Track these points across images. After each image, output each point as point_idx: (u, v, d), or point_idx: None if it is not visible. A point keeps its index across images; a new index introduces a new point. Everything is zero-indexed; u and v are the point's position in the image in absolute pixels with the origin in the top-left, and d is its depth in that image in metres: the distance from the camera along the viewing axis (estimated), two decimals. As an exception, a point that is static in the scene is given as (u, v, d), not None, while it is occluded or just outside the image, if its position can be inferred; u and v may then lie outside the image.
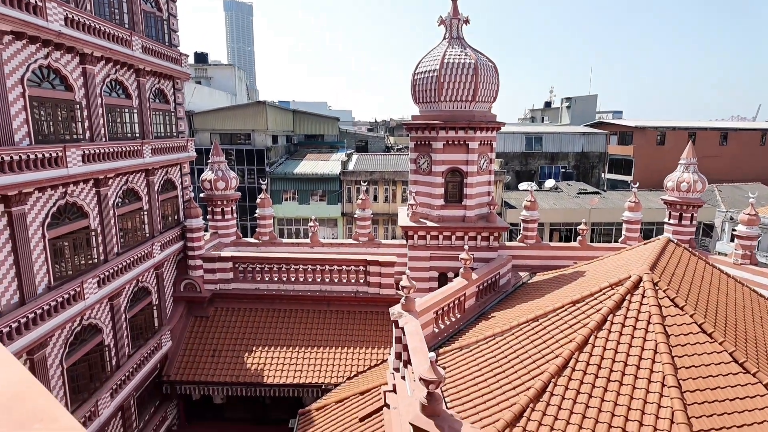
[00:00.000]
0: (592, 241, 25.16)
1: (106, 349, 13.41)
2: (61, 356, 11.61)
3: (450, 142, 17.14)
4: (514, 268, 17.40)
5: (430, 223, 17.20)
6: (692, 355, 9.17)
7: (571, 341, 10.03)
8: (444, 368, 10.52)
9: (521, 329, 11.28)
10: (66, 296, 11.34)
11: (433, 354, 7.59)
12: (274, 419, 16.68)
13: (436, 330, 12.64)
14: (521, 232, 19.04)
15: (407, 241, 17.73)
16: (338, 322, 17.13)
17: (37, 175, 10.50)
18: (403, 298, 11.74)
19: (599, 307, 10.62)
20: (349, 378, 15.28)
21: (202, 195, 20.19)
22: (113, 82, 14.34)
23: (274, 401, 16.33)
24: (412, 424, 7.44)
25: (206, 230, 19.66)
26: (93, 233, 12.97)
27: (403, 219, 17.83)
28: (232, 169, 21.15)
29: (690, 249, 15.49)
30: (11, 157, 9.76)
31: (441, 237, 17.16)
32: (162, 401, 16.40)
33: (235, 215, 20.89)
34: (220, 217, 20.15)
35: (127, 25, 14.87)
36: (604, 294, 11.06)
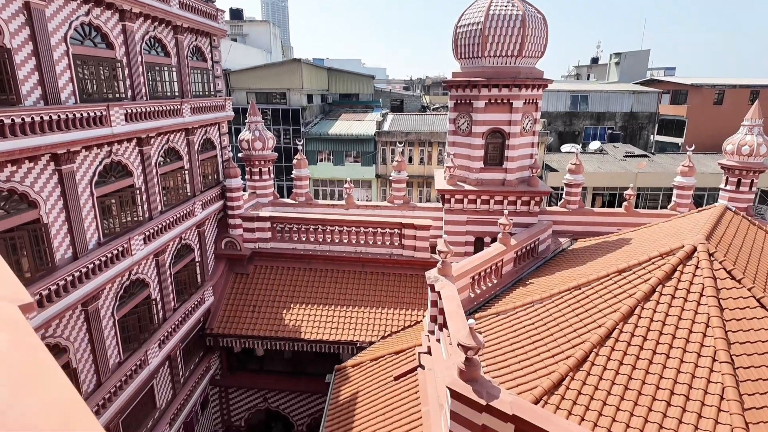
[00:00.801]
0: (637, 207, 24.03)
1: (153, 302, 14.08)
2: (112, 308, 12.27)
3: (492, 101, 16.38)
4: (554, 233, 16.89)
5: (468, 187, 16.76)
6: (748, 330, 8.68)
7: (615, 311, 9.70)
8: (479, 333, 10.46)
9: (562, 297, 11.00)
10: (115, 252, 11.84)
11: (472, 321, 7.47)
12: (312, 373, 17.35)
13: (472, 295, 12.52)
14: (563, 196, 18.33)
15: (443, 205, 17.41)
16: (373, 283, 17.30)
17: (84, 134, 10.73)
18: (440, 262, 11.61)
19: (648, 277, 10.16)
20: (383, 337, 15.56)
21: (240, 155, 20.37)
22: (152, 40, 14.29)
23: (311, 356, 16.91)
24: (449, 388, 7.45)
25: (245, 190, 19.96)
26: (138, 192, 13.34)
27: (440, 182, 17.44)
28: (268, 129, 21.13)
29: (749, 217, 14.50)
30: (59, 116, 9.98)
31: (479, 201, 16.74)
32: (206, 352, 17.30)
33: (272, 175, 21.05)
34: (258, 177, 20.36)
35: (162, -20, 14.61)
36: (653, 263, 10.56)
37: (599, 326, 9.51)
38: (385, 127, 36.88)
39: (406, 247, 17.43)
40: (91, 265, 10.98)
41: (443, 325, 10.56)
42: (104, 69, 12.16)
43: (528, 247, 14.94)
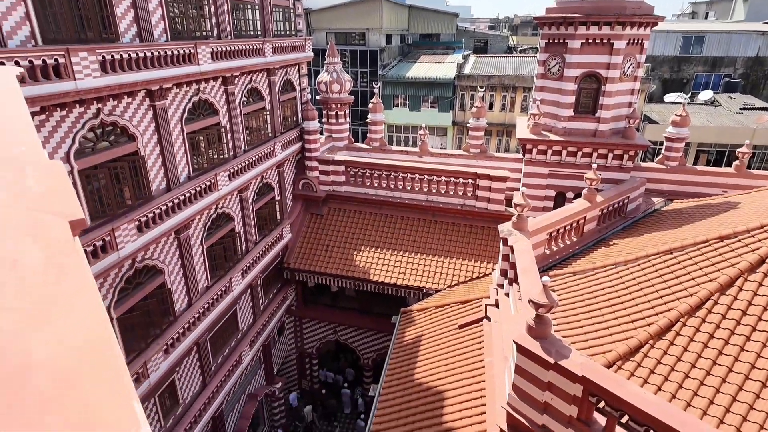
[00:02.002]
0: (750, 167, 21.09)
1: (237, 235, 15.10)
2: (201, 238, 13.34)
3: (590, 41, 14.69)
4: (647, 192, 15.39)
5: (553, 137, 15.58)
6: None
7: (712, 281, 8.78)
8: (553, 290, 10.02)
9: (649, 261, 10.13)
10: (203, 186, 12.68)
11: (548, 278, 7.11)
12: (378, 313, 18.01)
13: (548, 252, 11.94)
14: (662, 151, 16.48)
15: (524, 156, 16.43)
16: (442, 233, 17.14)
17: (174, 71, 11.23)
18: (515, 216, 11.09)
19: (757, 246, 9.00)
20: (449, 287, 15.57)
21: (318, 97, 20.48)
22: (236, -23, 14.30)
23: (378, 297, 17.47)
24: (516, 343, 7.29)
25: (322, 133, 20.21)
26: (223, 130, 13.97)
27: (522, 131, 16.37)
28: (345, 71, 20.89)
29: None
30: (152, 53, 10.48)
31: (565, 153, 15.55)
32: (283, 284, 18.52)
33: (348, 119, 21.05)
34: (334, 120, 20.46)
35: None
36: (766, 232, 9.28)
37: (690, 295, 8.70)
38: (466, 70, 34.98)
39: (480, 199, 16.88)
40: (183, 197, 11.88)
41: (514, 280, 10.25)
42: (192, 7, 12.44)
43: (615, 206, 13.79)
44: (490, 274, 15.42)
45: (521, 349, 7.19)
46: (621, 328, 8.76)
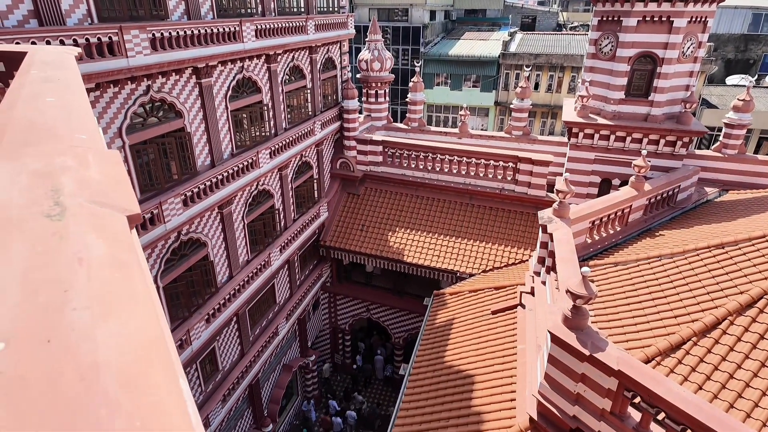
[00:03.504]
0: (821, 158, 19.44)
1: (277, 212, 15.48)
2: (242, 213, 13.76)
3: (647, 19, 13.80)
4: (700, 181, 14.56)
5: (601, 120, 14.90)
6: None
7: (766, 278, 8.30)
8: (592, 281, 9.75)
9: (698, 255, 9.66)
10: (245, 163, 13.01)
11: (587, 269, 6.92)
12: (411, 293, 18.15)
13: (589, 241, 11.58)
14: (720, 138, 15.46)
15: (569, 139, 15.83)
16: (479, 217, 16.91)
17: (220, 48, 11.44)
18: (557, 202, 10.77)
19: (821, 246, 8.38)
20: (484, 272, 15.44)
21: (358, 76, 20.37)
22: (280, -47, 14.26)
23: (412, 278, 17.57)
24: (550, 332, 7.19)
25: (361, 112, 20.17)
26: (265, 108, 14.18)
27: (569, 113, 15.73)
28: (387, 49, 20.60)
29: None
30: (199, 31, 10.69)
31: (613, 138, 14.87)
32: (319, 261, 18.92)
33: (387, 98, 20.87)
34: (373, 99, 20.35)
35: None
36: (832, 230, 8.63)
37: (741, 293, 8.28)
38: (512, 48, 33.74)
39: (520, 183, 16.48)
40: (226, 174, 12.24)
41: (551, 269, 10.04)
42: (238, -16, 12.55)
43: (664, 195, 13.15)
44: (527, 260, 15.16)
45: (556, 340, 7.09)
46: (662, 323, 8.46)
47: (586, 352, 6.66)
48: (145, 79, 9.82)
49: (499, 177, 16.81)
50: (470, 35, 37.41)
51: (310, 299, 18.38)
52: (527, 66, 30.88)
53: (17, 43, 6.99)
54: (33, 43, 7.19)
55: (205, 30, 10.87)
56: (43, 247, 0.78)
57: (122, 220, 0.95)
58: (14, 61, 4.10)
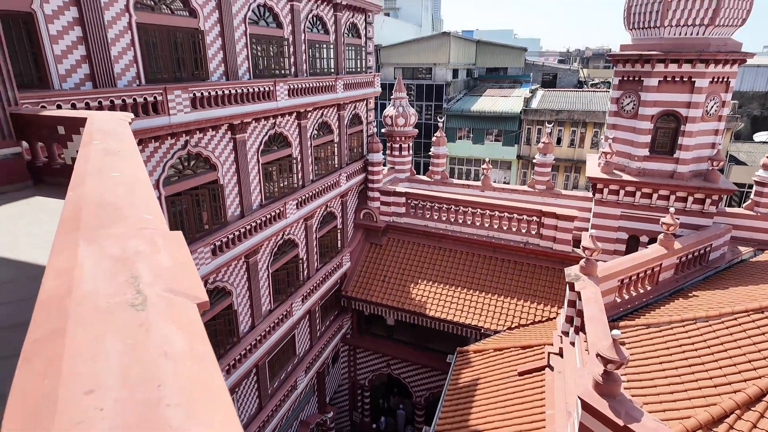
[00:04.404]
0: None
1: (301, 261, 15.64)
2: (268, 263, 13.96)
3: (668, 79, 14.06)
4: (733, 240, 14.15)
5: (626, 177, 14.86)
6: None
7: (813, 348, 7.83)
8: (623, 344, 9.37)
9: (735, 318, 9.23)
10: (273, 214, 13.36)
11: (618, 332, 6.69)
12: (434, 349, 17.68)
13: (618, 300, 11.23)
14: (751, 196, 15.14)
15: (594, 195, 15.77)
16: (504, 271, 16.67)
17: (255, 107, 12.11)
18: (583, 259, 10.60)
19: None
20: (509, 328, 15.01)
21: (383, 130, 21.07)
22: (314, 18, 15.32)
23: (434, 333, 17.18)
24: (581, 399, 6.87)
25: (385, 164, 20.69)
26: (294, 161, 14.73)
27: (593, 168, 15.78)
28: (411, 105, 21.40)
29: None
30: (237, 90, 11.40)
31: (639, 194, 14.75)
32: (340, 312, 18.78)
33: (411, 152, 21.42)
34: (397, 152, 20.90)
35: (327, -39, 15.43)
36: None
37: (786, 362, 7.79)
38: (533, 104, 34.52)
39: (545, 237, 16.32)
40: (254, 224, 12.58)
41: (580, 329, 9.73)
42: (273, 47, 13.45)
43: (696, 254, 12.79)
44: (554, 318, 14.72)
45: (586, 407, 6.76)
46: (701, 392, 7.98)
47: (620, 422, 6.31)
48: (184, 135, 10.42)
49: (523, 231, 16.71)
50: (492, 92, 38.55)
51: (329, 351, 18.09)
52: (549, 122, 31.42)
53: (73, 104, 7.60)
54: (87, 104, 7.81)
55: (242, 90, 11.58)
56: (132, 340, 0.87)
57: (193, 308, 1.04)
58: (74, 125, 4.48)
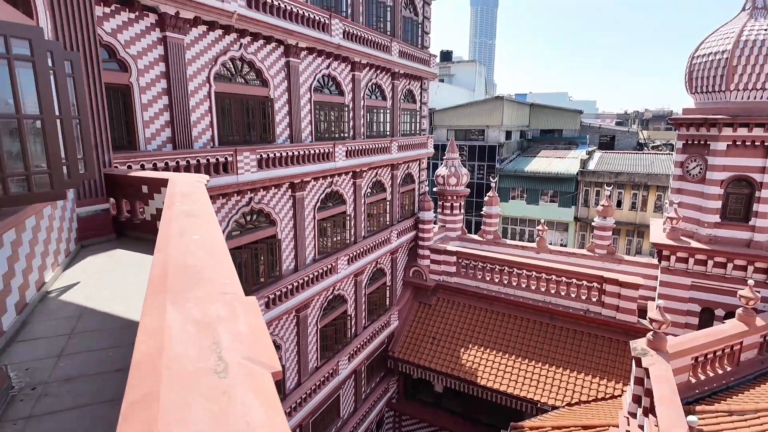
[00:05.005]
0: None
1: (349, 318, 15.61)
2: (317, 318, 14.05)
3: (738, 143, 13.42)
4: (828, 319, 12.59)
5: (696, 244, 13.93)
6: None
7: None
8: (702, 432, 8.35)
9: (840, 412, 8.03)
10: (325, 269, 13.61)
11: (695, 418, 6.02)
12: (485, 423, 16.57)
13: (693, 380, 10.16)
14: None
15: (660, 262, 14.83)
16: (562, 340, 15.69)
17: (315, 167, 12.78)
18: (651, 332, 9.81)
19: None
20: (569, 405, 13.86)
21: (434, 189, 21.34)
22: (373, 86, 16.29)
23: (486, 403, 16.18)
24: (654, 494, 6.11)
25: (435, 223, 20.75)
26: (348, 218, 15.15)
27: (658, 234, 14.95)
28: (463, 165, 21.67)
29: None
30: (299, 152, 12.13)
31: (711, 263, 13.70)
32: (386, 374, 18.26)
33: (462, 211, 21.41)
34: (449, 211, 20.95)
35: (388, 32, 16.61)
36: None
37: None
38: (591, 166, 33.83)
39: (607, 306, 15.34)
40: (307, 278, 12.84)
41: (649, 410, 8.82)
42: (334, 112, 14.34)
43: (783, 332, 11.46)
44: (619, 396, 13.48)
45: (662, 504, 5.99)
46: (804, 499, 6.86)
47: None
48: (249, 192, 11.10)
49: (583, 297, 15.83)
50: (547, 153, 38.33)
51: (374, 416, 17.43)
52: (608, 184, 30.55)
53: (155, 164, 8.39)
54: (166, 164, 8.60)
55: (304, 152, 12.31)
56: (217, 407, 0.93)
57: (269, 378, 1.10)
58: (156, 185, 4.94)
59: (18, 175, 2.92)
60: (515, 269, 17.12)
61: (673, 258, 14.21)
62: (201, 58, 9.70)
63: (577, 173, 32.73)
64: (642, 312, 14.84)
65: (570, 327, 15.86)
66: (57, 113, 3.32)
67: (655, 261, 16.15)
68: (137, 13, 8.34)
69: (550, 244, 19.59)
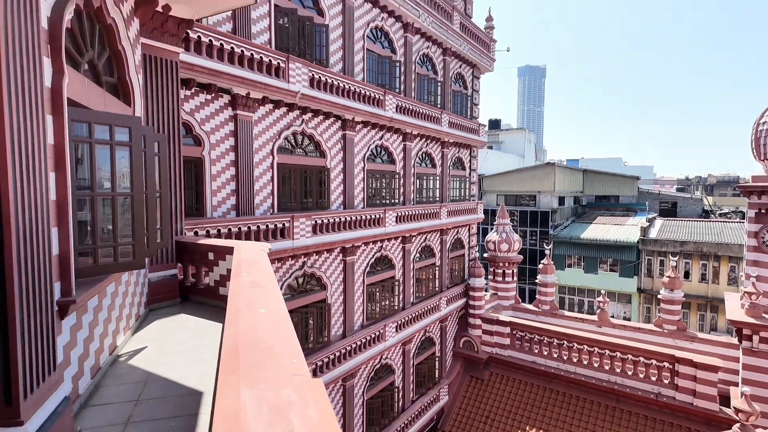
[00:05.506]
0: None
1: (396, 390, 15.02)
2: (363, 388, 13.63)
3: (821, 214, 12.37)
4: None
5: (782, 323, 12.54)
6: None
7: None
8: None
9: None
10: (373, 335, 13.40)
11: None
12: None
13: (797, 485, 8.72)
14: None
15: (740, 342, 13.40)
16: (631, 426, 14.14)
17: (366, 232, 13.04)
18: (738, 425, 8.68)
19: None
20: (644, 503, 12.19)
21: (485, 255, 20.94)
22: (423, 154, 16.80)
23: (544, 494, 14.58)
24: None
25: (486, 290, 20.13)
26: (397, 283, 15.07)
27: (734, 310, 13.65)
28: (514, 230, 21.27)
29: None
30: (351, 218, 12.48)
31: (803, 345, 12.22)
32: (434, 452, 17.07)
33: (515, 278, 20.70)
34: (500, 278, 20.33)
35: (438, 105, 17.35)
36: None
37: None
38: (652, 234, 32.12)
39: (681, 389, 13.83)
40: (355, 345, 12.66)
41: None
42: (385, 180, 14.81)
43: None
44: (703, 497, 11.73)
45: None
46: None
47: None
48: (302, 257, 11.42)
49: (653, 378, 14.40)
50: (603, 219, 36.97)
51: (421, 499, 16.11)
52: (673, 253, 28.79)
53: (219, 230, 8.91)
54: (229, 229, 9.10)
55: (356, 217, 12.66)
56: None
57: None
58: (222, 252, 5.22)
59: (107, 247, 3.23)
60: (575, 344, 16.01)
61: (755, 338, 12.81)
62: (266, 132, 10.52)
63: (638, 241, 31.11)
64: (724, 398, 13.23)
65: (640, 412, 14.32)
66: (144, 189, 3.69)
67: (734, 340, 14.61)
68: (213, 95, 9.29)
69: (612, 316, 18.31)
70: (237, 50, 9.02)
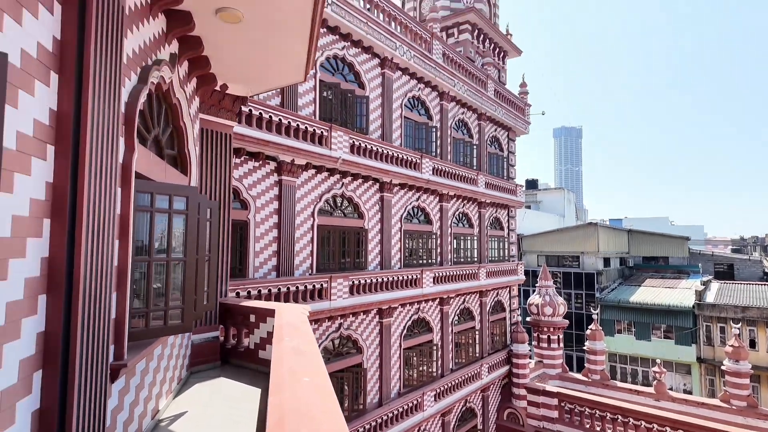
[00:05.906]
0: None
1: (435, 464, 14.06)
2: (400, 461, 12.85)
3: None
4: None
5: None
6: None
7: None
8: None
9: None
10: (410, 405, 12.80)
11: None
12: None
13: None
14: None
15: (826, 423, 11.87)
16: None
17: (403, 293, 12.89)
18: None
19: None
20: None
21: (528, 319, 20.07)
22: (460, 215, 16.81)
23: None
24: None
25: (531, 357, 19.07)
26: (435, 347, 14.57)
27: (814, 386, 12.22)
28: (558, 294, 20.40)
29: None
30: (388, 279, 12.43)
31: None
32: None
33: (561, 344, 19.58)
34: (545, 344, 19.29)
35: (474, 167, 17.57)
36: None
37: None
38: (709, 298, 29.94)
39: (759, 477, 12.24)
40: (392, 414, 12.11)
41: None
42: (422, 240, 14.81)
43: None
44: None
45: None
46: None
47: None
48: (339, 318, 11.35)
49: (724, 463, 12.83)
50: (652, 282, 35.00)
51: None
52: (735, 320, 26.67)
53: (259, 290, 9.08)
54: (269, 290, 9.25)
55: (393, 278, 12.60)
56: None
57: None
58: (264, 315, 5.29)
59: (158, 310, 3.37)
60: (631, 419, 14.66)
61: (844, 420, 11.33)
62: (308, 196, 10.93)
63: (694, 306, 29.02)
64: (814, 492, 11.54)
65: (713, 503, 12.66)
66: (196, 254, 3.89)
67: (818, 421, 12.97)
68: (261, 162, 9.85)
69: (671, 389, 16.78)
70: (284, 121, 9.65)
